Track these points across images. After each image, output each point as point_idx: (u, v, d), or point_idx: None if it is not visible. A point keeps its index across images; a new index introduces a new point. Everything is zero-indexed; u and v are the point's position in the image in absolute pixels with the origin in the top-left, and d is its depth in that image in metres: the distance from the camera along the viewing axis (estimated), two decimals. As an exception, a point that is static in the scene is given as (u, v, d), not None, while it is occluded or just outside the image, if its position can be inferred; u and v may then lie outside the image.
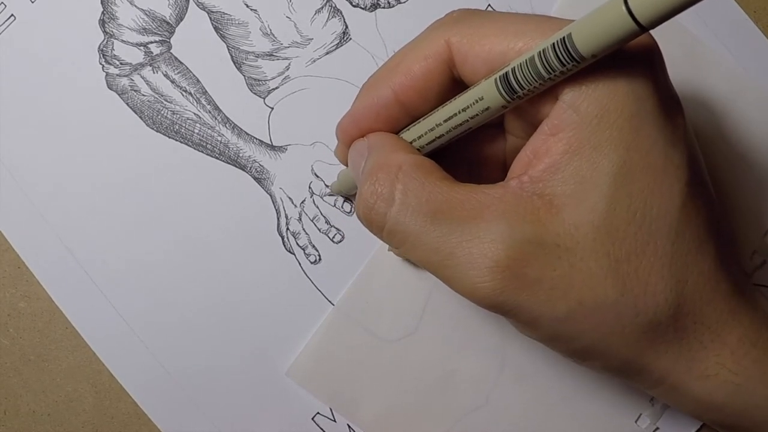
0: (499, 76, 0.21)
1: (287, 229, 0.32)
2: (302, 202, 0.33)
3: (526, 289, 0.21)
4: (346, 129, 0.26)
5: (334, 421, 0.32)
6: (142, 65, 0.32)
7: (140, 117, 0.32)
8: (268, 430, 0.32)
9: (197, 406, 0.32)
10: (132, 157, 0.32)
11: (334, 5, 0.33)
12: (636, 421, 0.32)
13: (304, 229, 0.32)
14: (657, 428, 0.32)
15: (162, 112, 0.32)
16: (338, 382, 0.32)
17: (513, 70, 0.21)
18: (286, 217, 0.32)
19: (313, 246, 0.32)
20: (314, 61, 0.33)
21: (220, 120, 0.32)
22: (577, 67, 0.20)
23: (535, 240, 0.21)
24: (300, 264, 0.32)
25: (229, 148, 0.32)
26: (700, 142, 0.32)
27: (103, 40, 0.32)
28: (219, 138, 0.32)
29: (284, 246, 0.32)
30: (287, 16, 0.33)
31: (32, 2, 0.32)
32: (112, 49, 0.32)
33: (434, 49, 0.24)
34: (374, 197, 0.23)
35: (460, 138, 0.25)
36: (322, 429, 0.32)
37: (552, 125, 0.22)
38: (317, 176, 0.33)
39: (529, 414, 0.32)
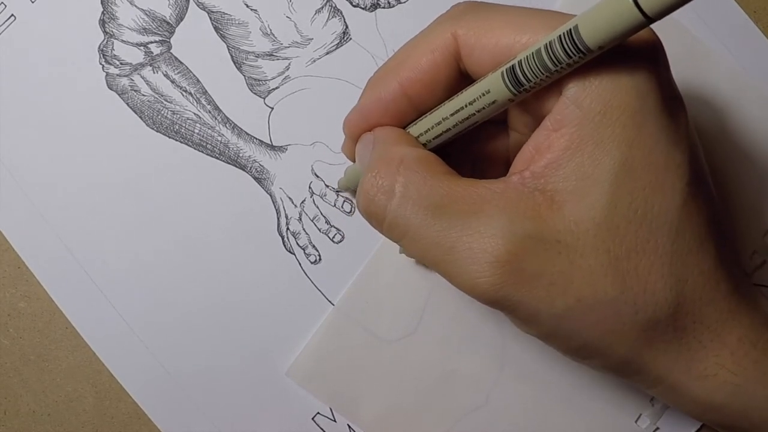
0: (506, 69, 0.21)
1: (287, 229, 0.32)
2: (302, 202, 0.33)
3: (525, 284, 0.21)
4: (354, 123, 0.26)
5: (334, 421, 0.32)
6: (142, 65, 0.32)
7: (140, 117, 0.32)
8: (268, 430, 0.32)
9: (197, 406, 0.32)
10: (132, 157, 0.32)
11: (334, 5, 0.33)
12: (636, 421, 0.32)
13: (304, 229, 0.32)
14: (657, 428, 0.32)
15: (162, 112, 0.32)
16: (338, 382, 0.32)
17: (520, 62, 0.21)
18: (286, 217, 0.32)
19: (313, 246, 0.32)
20: (314, 61, 0.33)
21: (220, 120, 0.32)
22: (584, 59, 0.20)
23: (536, 235, 0.21)
24: (300, 264, 0.32)
25: (229, 148, 0.32)
26: (701, 142, 0.32)
27: (103, 40, 0.32)
28: (219, 138, 0.32)
29: (284, 246, 0.32)
30: (287, 16, 0.33)
31: (32, 2, 0.32)
32: (112, 49, 0.32)
33: (441, 42, 0.24)
34: (374, 189, 0.23)
35: (464, 134, 0.25)
36: (322, 429, 0.32)
37: (555, 120, 0.22)
38: (317, 176, 0.33)
39: (529, 414, 0.32)
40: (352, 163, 0.28)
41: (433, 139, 0.25)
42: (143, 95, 0.32)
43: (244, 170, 0.32)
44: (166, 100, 0.32)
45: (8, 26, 0.32)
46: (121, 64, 0.32)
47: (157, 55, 0.32)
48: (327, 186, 0.33)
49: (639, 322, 0.22)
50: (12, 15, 0.32)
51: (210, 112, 0.33)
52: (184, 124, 0.32)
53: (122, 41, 0.32)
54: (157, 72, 0.32)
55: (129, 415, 0.32)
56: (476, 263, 0.21)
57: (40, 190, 0.32)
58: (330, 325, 0.32)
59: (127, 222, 0.32)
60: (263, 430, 0.32)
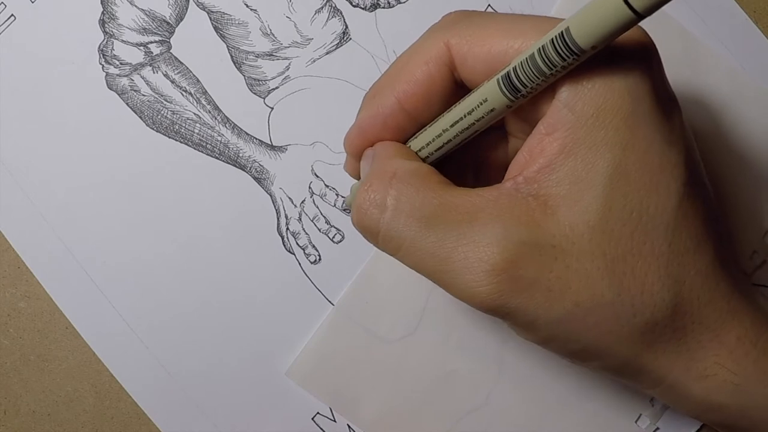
0: (501, 76, 0.21)
1: (287, 229, 0.32)
2: (302, 202, 0.33)
3: (522, 291, 0.21)
4: (354, 141, 0.26)
5: (334, 421, 0.32)
6: (142, 65, 0.32)
7: (140, 117, 0.32)
8: (268, 430, 0.32)
9: (197, 406, 0.32)
10: (132, 157, 0.32)
11: (334, 5, 0.33)
12: (636, 422, 0.32)
13: (304, 229, 0.32)
14: (657, 428, 0.32)
15: (162, 112, 0.32)
16: (338, 382, 0.32)
17: (514, 68, 0.21)
18: (286, 217, 0.32)
19: (313, 246, 0.32)
20: (314, 61, 0.33)
21: (220, 120, 0.32)
22: (578, 60, 0.20)
23: (531, 241, 0.21)
24: (300, 264, 0.32)
25: (229, 148, 0.32)
26: (700, 142, 0.32)
27: (103, 40, 0.32)
28: (219, 138, 0.32)
29: (284, 246, 0.32)
30: (287, 16, 0.33)
31: (32, 2, 0.32)
32: (112, 49, 0.32)
33: (434, 53, 0.24)
34: (367, 203, 0.23)
35: (465, 144, 0.25)
36: (322, 429, 0.32)
37: (547, 125, 0.22)
38: (317, 176, 0.33)
39: (528, 414, 0.32)
40: (356, 181, 0.28)
41: (436, 151, 0.25)
42: (143, 95, 0.32)
43: (244, 170, 0.32)
44: (166, 100, 0.32)
45: (8, 26, 0.32)
46: (121, 64, 0.32)
47: (157, 55, 0.32)
48: (327, 186, 0.33)
49: (637, 324, 0.22)
50: (12, 15, 0.32)
51: (210, 112, 0.33)
52: (184, 124, 0.32)
53: (122, 41, 0.32)
54: (157, 72, 0.32)
55: (129, 415, 0.32)
56: (473, 272, 0.21)
57: (40, 190, 0.32)
58: (330, 325, 0.32)
59: (127, 222, 0.32)
60: (263, 430, 0.32)
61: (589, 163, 0.21)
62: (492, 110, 0.22)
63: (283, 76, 0.33)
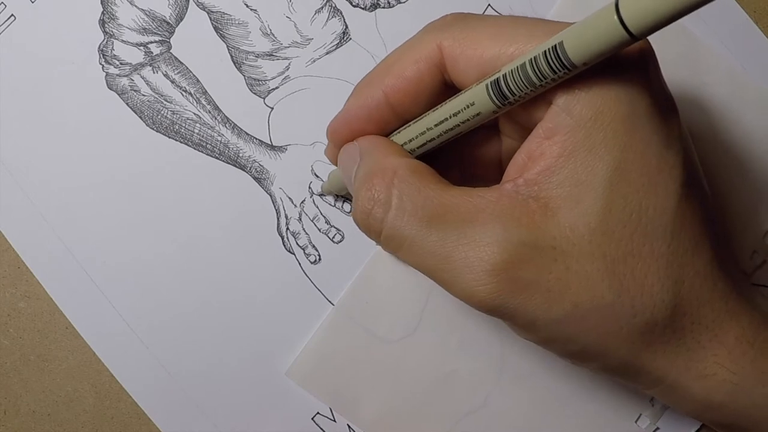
0: (491, 82, 0.21)
1: (287, 229, 0.32)
2: (302, 202, 0.33)
3: (522, 292, 0.21)
4: (337, 130, 0.26)
5: (334, 421, 0.32)
6: (142, 65, 0.32)
7: (140, 117, 0.32)
8: (268, 430, 0.32)
9: (197, 406, 0.32)
10: (132, 157, 0.32)
11: (334, 5, 0.33)
12: (636, 421, 0.32)
13: (304, 229, 0.32)
14: (657, 428, 0.32)
15: (162, 112, 0.32)
16: (338, 383, 0.32)
17: (504, 76, 0.21)
18: (286, 217, 0.32)
19: (313, 246, 0.32)
20: (314, 61, 0.33)
21: (220, 120, 0.32)
22: (569, 74, 0.20)
23: (531, 243, 0.21)
24: (300, 264, 0.32)
25: (229, 148, 0.32)
26: (700, 142, 0.32)
27: (103, 40, 0.32)
28: (219, 138, 0.32)
29: (284, 246, 0.32)
30: (287, 16, 0.33)
31: (32, 2, 0.32)
32: (112, 49, 0.32)
33: (426, 53, 0.24)
34: (371, 203, 0.23)
35: (455, 140, 0.25)
36: (322, 429, 0.32)
37: (546, 129, 0.22)
38: (317, 176, 0.33)
39: (528, 414, 0.32)
40: (335, 167, 0.28)
41: (417, 148, 0.25)
42: (143, 95, 0.32)
43: (244, 170, 0.32)
44: (166, 100, 0.32)
45: (8, 26, 0.32)
46: (121, 64, 0.32)
47: (157, 55, 0.32)
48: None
49: (637, 324, 0.22)
50: (12, 15, 0.32)
51: (210, 112, 0.33)
52: (184, 124, 0.32)
53: (122, 41, 0.32)
54: (157, 72, 0.32)
55: (129, 415, 0.32)
56: (473, 272, 0.21)
57: (40, 190, 0.32)
58: (330, 325, 0.32)
59: (127, 222, 0.32)
60: (263, 430, 0.32)
61: (589, 166, 0.21)
62: (478, 114, 0.22)
63: (283, 76, 0.33)
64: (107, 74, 0.32)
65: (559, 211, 0.21)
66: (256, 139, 0.33)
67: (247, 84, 0.33)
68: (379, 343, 0.32)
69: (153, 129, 0.32)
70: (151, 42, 0.32)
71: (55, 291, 0.32)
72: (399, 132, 0.25)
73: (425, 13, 0.33)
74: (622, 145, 0.21)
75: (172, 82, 0.32)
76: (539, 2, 0.33)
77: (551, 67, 0.20)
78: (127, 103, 0.32)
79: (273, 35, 0.33)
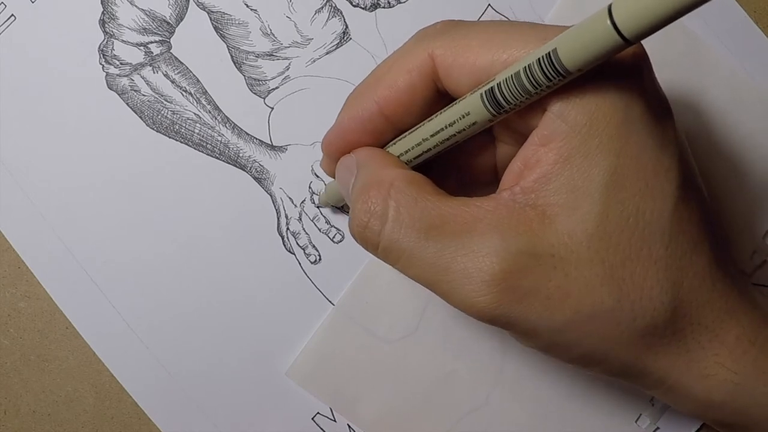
0: (485, 91, 0.21)
1: (287, 229, 0.32)
2: (302, 202, 0.33)
3: (522, 300, 0.21)
4: (332, 143, 0.26)
5: (334, 421, 0.32)
6: (142, 65, 0.32)
7: (140, 117, 0.32)
8: (268, 430, 0.32)
9: (197, 407, 0.32)
10: (132, 157, 0.32)
11: (334, 5, 0.33)
12: (636, 421, 0.32)
13: (304, 229, 0.32)
14: (657, 428, 0.32)
15: (162, 112, 0.32)
16: (338, 383, 0.32)
17: (498, 85, 0.21)
18: (286, 217, 0.32)
19: (313, 246, 0.32)
20: (314, 61, 0.33)
21: (220, 120, 0.32)
22: (563, 81, 0.20)
23: (529, 251, 0.21)
24: (300, 264, 0.32)
25: (229, 148, 0.32)
26: (700, 142, 0.32)
27: (103, 40, 0.32)
28: (219, 138, 0.32)
29: (284, 246, 0.32)
30: (287, 16, 0.33)
31: (32, 2, 0.32)
32: (112, 49, 0.32)
33: (417, 63, 0.23)
34: (367, 216, 0.23)
35: (451, 148, 0.25)
36: (322, 429, 0.32)
37: (541, 136, 0.22)
38: (317, 176, 0.33)
39: (528, 414, 0.32)
40: (332, 179, 0.28)
41: (414, 159, 0.25)
42: (143, 95, 0.32)
43: (244, 170, 0.32)
44: (166, 100, 0.32)
45: (8, 26, 0.32)
46: (121, 64, 0.32)
47: (157, 55, 0.32)
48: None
49: (637, 328, 0.22)
50: (12, 15, 0.32)
51: (210, 112, 0.33)
52: (184, 124, 0.32)
53: (122, 41, 0.32)
54: (157, 72, 0.32)
55: (129, 415, 0.32)
56: (472, 283, 0.21)
57: (40, 190, 0.32)
58: (330, 325, 0.32)
59: (127, 222, 0.32)
60: (263, 430, 0.32)
61: (585, 172, 0.21)
62: (473, 124, 0.22)
63: (283, 76, 0.33)
64: (107, 74, 0.32)
65: (556, 218, 0.21)
66: (257, 139, 0.33)
67: (247, 84, 0.33)
68: (380, 343, 0.32)
69: (153, 129, 0.32)
70: (152, 42, 0.32)
71: (55, 291, 0.32)
72: (394, 143, 0.25)
73: (425, 13, 0.33)
74: (618, 150, 0.21)
75: (173, 82, 0.32)
76: (539, 2, 0.33)
77: (546, 74, 0.20)
78: (127, 103, 0.32)
79: (273, 35, 0.33)
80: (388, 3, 0.33)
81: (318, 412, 0.32)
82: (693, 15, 0.32)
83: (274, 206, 0.32)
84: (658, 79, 0.23)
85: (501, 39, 0.22)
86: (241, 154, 0.32)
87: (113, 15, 0.32)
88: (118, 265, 0.32)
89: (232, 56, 0.33)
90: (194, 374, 0.32)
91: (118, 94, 0.32)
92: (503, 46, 0.22)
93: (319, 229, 0.32)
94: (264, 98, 0.33)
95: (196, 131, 0.32)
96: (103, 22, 0.32)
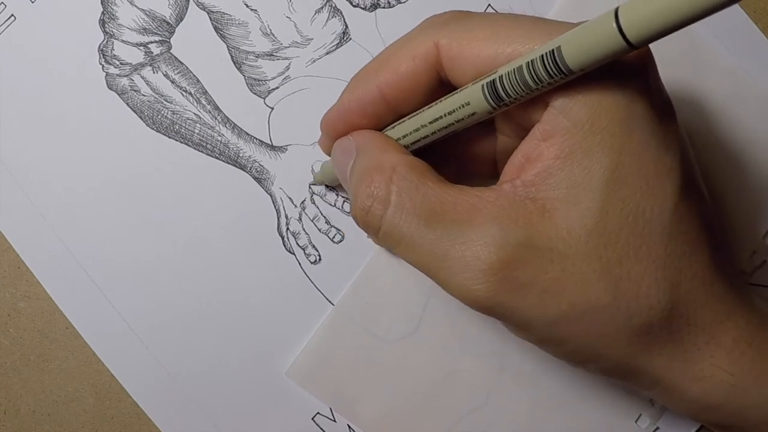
0: (486, 83, 0.21)
1: (287, 229, 0.32)
2: (302, 202, 0.33)
3: (517, 292, 0.21)
4: (332, 122, 0.26)
5: (334, 421, 0.32)
6: (142, 65, 0.32)
7: (140, 117, 0.32)
8: (268, 430, 0.32)
9: (197, 407, 0.32)
10: (132, 157, 0.32)
11: (334, 5, 0.33)
12: (636, 422, 0.32)
13: (304, 229, 0.32)
14: (657, 428, 0.32)
15: (162, 112, 0.32)
16: (338, 382, 0.32)
17: (500, 78, 0.21)
18: (286, 217, 0.32)
19: (313, 246, 0.32)
20: (314, 61, 0.33)
21: (220, 120, 0.32)
22: (565, 79, 0.20)
23: (527, 243, 0.21)
24: (300, 264, 0.32)
25: (229, 148, 0.32)
26: (700, 142, 0.32)
27: (103, 40, 0.32)
28: (219, 138, 0.32)
29: (284, 246, 0.32)
30: (287, 16, 0.33)
31: (32, 2, 0.32)
32: (112, 49, 0.32)
33: (422, 50, 0.24)
34: (370, 200, 0.23)
35: (451, 136, 0.25)
36: (322, 429, 0.32)
37: (543, 131, 0.22)
38: (317, 176, 0.33)
39: (529, 414, 0.32)
40: (328, 158, 0.28)
41: (411, 144, 0.25)
42: (143, 95, 0.32)
43: (244, 170, 0.32)
44: (166, 100, 0.32)
45: (8, 26, 0.32)
46: (121, 64, 0.32)
47: (157, 55, 0.32)
48: (327, 186, 0.33)
49: (633, 327, 0.22)
50: (12, 15, 0.32)
51: (210, 112, 0.32)
52: (184, 124, 0.32)
53: (122, 41, 0.32)
54: (157, 72, 0.32)
55: (129, 415, 0.32)
56: (469, 271, 0.21)
57: (40, 190, 0.32)
58: (330, 325, 0.32)
59: (127, 222, 0.32)
60: (263, 430, 0.32)
61: (586, 168, 0.21)
62: (473, 114, 0.22)
63: (283, 76, 0.33)
64: (107, 74, 0.32)
65: (556, 212, 0.21)
66: (257, 139, 0.33)
67: (247, 84, 0.33)
68: (380, 343, 0.32)
69: (153, 129, 0.32)
70: (151, 42, 0.32)
71: (55, 291, 0.32)
72: (393, 127, 0.25)
73: (425, 13, 0.32)
74: (619, 148, 0.21)
75: (172, 82, 0.32)
76: (539, 2, 0.33)
77: (548, 71, 0.20)
78: (127, 103, 0.32)
79: (273, 35, 0.33)
80: (388, 3, 0.33)
81: (318, 412, 0.32)
82: (693, 15, 0.32)
83: (274, 206, 0.32)
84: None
85: (506, 33, 0.22)
86: (241, 154, 0.32)
87: (113, 15, 0.32)
88: (118, 265, 0.32)
89: (232, 56, 0.33)
90: (194, 374, 0.32)
91: (118, 94, 0.32)
92: (508, 40, 0.22)
93: (319, 230, 0.32)
94: (264, 98, 0.33)
95: (196, 131, 0.32)
96: (103, 22, 0.32)
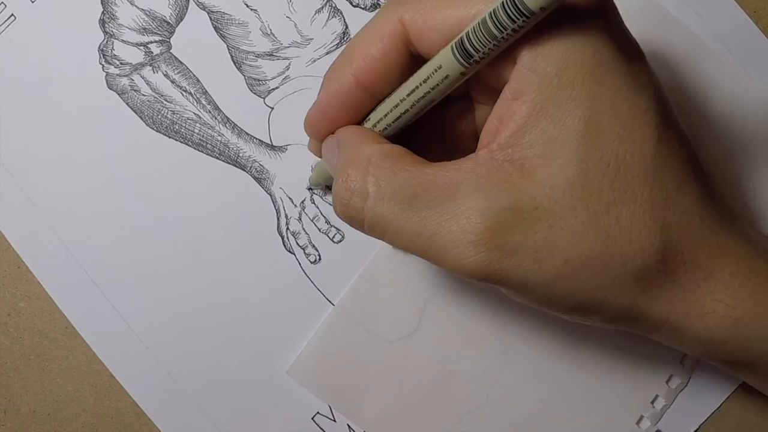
0: (455, 43, 0.22)
1: (287, 229, 0.32)
2: (302, 202, 0.33)
3: (511, 256, 0.21)
4: (314, 122, 0.26)
5: (334, 421, 0.32)
6: (142, 65, 0.32)
7: (140, 117, 0.32)
8: (268, 430, 0.32)
9: (197, 406, 0.32)
10: (132, 157, 0.32)
11: (334, 5, 0.33)
12: (637, 423, 0.32)
13: (304, 229, 0.32)
14: (658, 430, 0.32)
15: (162, 112, 0.32)
16: (339, 382, 0.32)
17: (467, 34, 0.21)
18: (286, 216, 0.32)
19: (313, 246, 0.32)
20: (314, 61, 0.33)
21: (220, 120, 0.32)
22: (528, 22, 0.20)
23: (512, 206, 0.21)
24: (300, 264, 0.32)
25: (229, 148, 0.32)
26: (700, 143, 0.32)
27: (103, 40, 0.32)
28: (219, 138, 0.32)
29: (284, 246, 0.32)
30: (287, 16, 0.33)
31: (32, 2, 0.32)
32: (112, 49, 0.32)
33: (388, 29, 0.24)
34: (348, 194, 0.23)
35: (431, 116, 0.25)
36: (322, 429, 0.32)
37: (513, 90, 0.22)
38: (317, 176, 0.33)
39: (529, 414, 0.32)
40: (320, 159, 0.28)
41: (393, 122, 0.25)
42: (143, 95, 0.32)
43: (244, 170, 0.32)
44: (166, 100, 0.32)
45: (8, 26, 0.32)
46: (121, 64, 0.32)
47: (157, 55, 0.32)
48: (327, 186, 0.33)
49: (629, 272, 0.22)
50: (12, 15, 0.32)
51: (210, 112, 0.33)
52: (184, 124, 0.32)
53: (122, 41, 0.32)
54: (157, 72, 0.32)
55: (129, 415, 0.32)
56: (459, 245, 0.21)
57: (40, 190, 0.32)
58: (330, 325, 0.32)
59: (127, 222, 0.32)
60: (263, 430, 0.32)
61: (560, 121, 0.21)
62: (446, 77, 0.22)
63: (284, 76, 0.33)
64: (107, 74, 0.32)
65: (535, 170, 0.21)
66: (256, 139, 0.33)
67: (247, 84, 0.33)
68: (380, 343, 0.32)
69: (153, 129, 0.32)
70: (152, 42, 0.32)
71: (55, 291, 0.32)
72: (374, 110, 0.25)
73: (425, 13, 0.33)
74: (591, 97, 0.21)
75: (173, 82, 0.32)
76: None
77: (510, 16, 0.20)
78: (127, 103, 0.32)
79: (273, 35, 0.33)
80: (388, 3, 0.33)
81: (318, 412, 0.32)
82: (693, 15, 0.32)
83: (274, 206, 0.32)
84: (658, 78, 0.23)
85: None
86: (241, 154, 0.32)
87: (113, 15, 0.32)
88: (118, 265, 0.32)
89: (232, 56, 0.33)
90: (194, 374, 0.32)
91: (118, 94, 0.32)
92: (470, 2, 0.22)
93: (319, 229, 0.32)
94: (264, 98, 0.33)
95: (196, 131, 0.32)
96: (103, 22, 0.32)
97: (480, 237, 0.21)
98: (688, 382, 0.32)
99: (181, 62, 0.33)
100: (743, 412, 0.32)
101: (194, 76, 0.33)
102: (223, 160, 0.32)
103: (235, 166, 0.32)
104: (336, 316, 0.32)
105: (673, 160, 0.22)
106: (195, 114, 0.32)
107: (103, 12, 0.32)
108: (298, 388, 0.32)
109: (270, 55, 0.33)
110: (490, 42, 0.21)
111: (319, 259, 0.32)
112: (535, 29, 0.21)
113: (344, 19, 0.33)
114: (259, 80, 0.33)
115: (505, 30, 0.20)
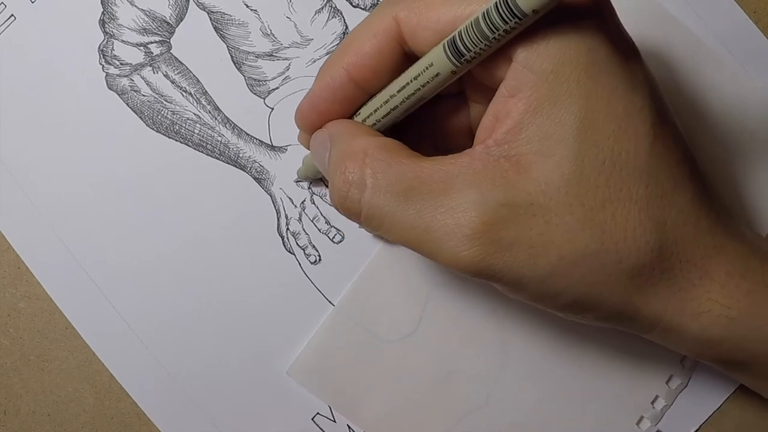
0: (447, 41, 0.22)
1: (287, 229, 0.32)
2: (302, 202, 0.33)
3: (505, 252, 0.21)
4: (305, 115, 0.26)
5: (334, 421, 0.32)
6: (142, 65, 0.32)
7: (140, 117, 0.32)
8: (268, 430, 0.32)
9: (197, 406, 0.32)
10: (132, 157, 0.32)
11: (334, 5, 0.33)
12: (638, 424, 0.32)
13: (304, 229, 0.32)
14: (658, 430, 0.32)
15: (162, 113, 0.32)
16: (339, 382, 0.32)
17: (459, 33, 0.21)
18: (286, 217, 0.32)
19: (313, 246, 0.32)
20: (315, 61, 0.33)
21: (220, 120, 0.32)
22: (520, 24, 0.20)
23: (508, 202, 0.21)
24: (300, 264, 0.32)
25: (229, 148, 0.32)
26: (700, 143, 0.32)
27: (103, 40, 0.32)
28: (219, 138, 0.32)
29: (284, 246, 0.32)
30: (287, 17, 0.33)
31: (32, 2, 0.33)
32: (112, 49, 0.32)
33: (383, 27, 0.24)
34: (346, 186, 0.23)
35: (424, 112, 0.25)
36: (321, 429, 0.32)
37: (509, 87, 0.22)
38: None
39: (529, 414, 0.32)
40: (309, 152, 0.28)
41: (383, 117, 0.25)
42: (143, 95, 0.32)
43: (244, 170, 0.32)
44: (166, 101, 0.32)
45: (8, 26, 0.32)
46: (121, 64, 0.32)
47: (157, 55, 0.32)
48: (327, 186, 0.33)
49: (624, 270, 0.22)
50: (12, 15, 0.32)
51: (210, 112, 0.33)
52: (184, 125, 0.32)
53: (122, 41, 0.32)
54: (157, 72, 0.32)
55: (129, 415, 0.32)
56: (453, 239, 0.21)
57: (40, 190, 0.32)
58: (330, 326, 0.32)
59: (127, 222, 0.32)
60: (263, 430, 0.32)
61: (556, 118, 0.21)
62: (437, 75, 0.22)
63: (284, 77, 0.33)
64: (107, 74, 0.32)
65: (531, 167, 0.21)
66: (257, 139, 0.33)
67: (247, 84, 0.33)
68: (380, 343, 0.32)
69: (153, 129, 0.32)
70: (151, 42, 0.32)
71: (55, 291, 0.32)
72: (365, 104, 0.25)
73: (425, 14, 0.33)
74: (586, 94, 0.21)
75: (172, 82, 0.32)
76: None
77: (503, 17, 0.20)
78: (127, 104, 0.32)
79: (273, 35, 0.33)
80: (388, 3, 0.33)
81: (318, 413, 0.32)
82: (693, 16, 0.32)
83: (274, 206, 0.32)
84: (654, 77, 0.23)
85: None
86: (241, 155, 0.32)
87: (113, 15, 0.32)
88: (118, 265, 0.32)
89: (232, 56, 0.33)
90: (194, 374, 0.32)
91: (118, 95, 0.32)
92: (465, 1, 0.22)
93: (319, 230, 0.32)
94: (264, 98, 0.33)
95: (196, 131, 0.32)
96: (103, 22, 0.32)
97: (475, 231, 0.21)
98: (688, 383, 0.32)
99: (181, 62, 0.33)
100: (743, 412, 0.32)
101: (194, 76, 0.33)
102: (223, 161, 0.32)
103: (235, 166, 0.32)
104: (336, 317, 0.32)
105: (669, 159, 0.22)
106: (195, 114, 0.32)
107: (103, 12, 0.32)
108: (298, 388, 0.32)
109: (270, 55, 0.33)
110: (482, 42, 0.21)
111: (319, 259, 0.32)
112: (531, 27, 0.21)
113: (344, 20, 0.33)
114: (259, 81, 0.33)
115: (497, 31, 0.20)
